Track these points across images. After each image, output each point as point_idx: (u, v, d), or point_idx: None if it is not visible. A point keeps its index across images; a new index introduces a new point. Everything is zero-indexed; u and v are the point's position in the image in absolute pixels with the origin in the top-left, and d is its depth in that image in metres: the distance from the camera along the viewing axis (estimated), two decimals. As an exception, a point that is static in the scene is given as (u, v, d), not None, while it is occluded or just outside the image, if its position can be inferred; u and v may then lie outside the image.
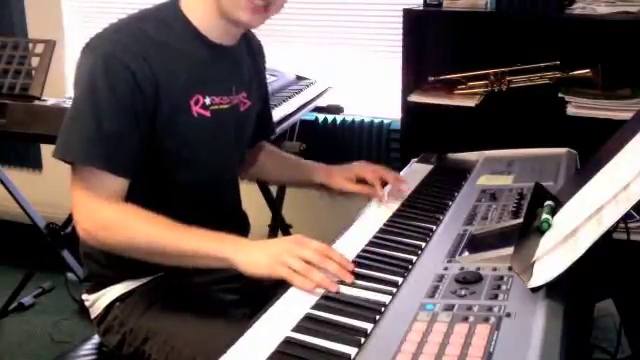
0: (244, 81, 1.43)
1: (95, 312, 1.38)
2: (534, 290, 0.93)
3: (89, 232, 1.20)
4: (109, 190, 1.21)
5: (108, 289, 1.35)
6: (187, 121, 1.29)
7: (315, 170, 1.58)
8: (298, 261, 1.08)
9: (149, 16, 1.30)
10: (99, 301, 1.36)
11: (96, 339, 1.41)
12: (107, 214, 1.19)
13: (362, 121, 2.69)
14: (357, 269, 1.10)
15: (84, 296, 1.41)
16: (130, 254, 1.20)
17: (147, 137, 1.24)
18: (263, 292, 1.36)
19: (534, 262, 0.98)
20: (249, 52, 1.48)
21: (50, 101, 2.21)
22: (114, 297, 1.34)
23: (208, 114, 1.31)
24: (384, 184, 1.51)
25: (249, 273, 1.12)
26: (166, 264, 1.20)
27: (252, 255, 1.12)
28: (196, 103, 1.29)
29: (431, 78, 2.32)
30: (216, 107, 1.33)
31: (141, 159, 1.24)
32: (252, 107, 1.45)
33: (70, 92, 3.05)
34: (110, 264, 1.34)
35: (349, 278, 1.07)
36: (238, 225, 1.49)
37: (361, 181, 1.52)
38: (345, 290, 1.04)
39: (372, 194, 1.48)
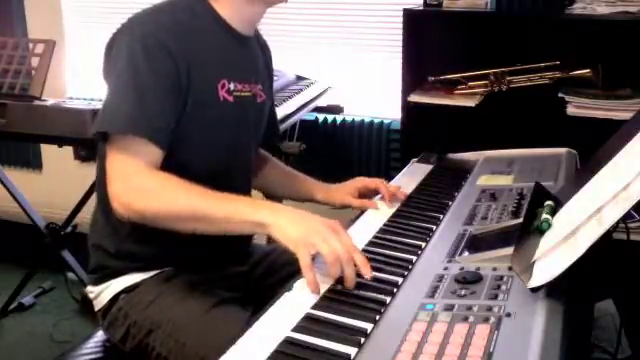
0: (260, 74, 1.48)
1: (99, 304, 1.38)
2: (534, 290, 0.93)
3: (127, 203, 1.19)
4: (148, 159, 1.22)
5: (114, 281, 1.35)
6: (214, 104, 1.32)
7: (316, 188, 1.61)
8: (326, 247, 1.06)
9: (177, 4, 1.33)
10: (104, 293, 1.36)
11: (98, 337, 1.41)
12: (146, 180, 1.20)
13: (362, 121, 2.69)
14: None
15: (89, 288, 1.41)
16: (166, 223, 1.20)
17: (177, 118, 1.26)
18: (266, 290, 1.36)
19: (534, 262, 0.98)
20: (260, 48, 1.54)
21: (50, 101, 2.22)
22: (119, 289, 1.34)
23: (231, 99, 1.35)
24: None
25: (277, 239, 1.11)
26: (201, 231, 1.19)
27: (285, 224, 1.11)
28: (222, 87, 1.33)
29: (431, 78, 2.32)
30: (238, 93, 1.37)
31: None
32: (266, 100, 1.50)
33: (70, 92, 3.08)
34: (119, 255, 1.35)
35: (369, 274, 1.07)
36: None
37: (361, 196, 1.55)
38: (345, 290, 1.04)
39: (373, 207, 1.48)
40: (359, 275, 1.07)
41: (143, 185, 1.20)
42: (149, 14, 1.30)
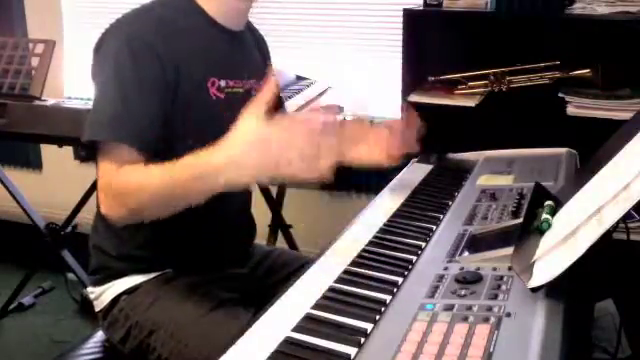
0: (254, 68, 1.47)
1: (100, 305, 1.38)
2: (534, 290, 0.93)
3: (114, 207, 1.17)
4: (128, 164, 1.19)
5: (115, 282, 1.35)
6: (205, 102, 1.31)
7: None
8: (304, 150, 1.03)
9: (165, 4, 1.33)
10: (105, 294, 1.37)
11: (97, 337, 1.41)
12: (118, 181, 1.17)
13: (362, 121, 2.68)
14: (357, 269, 1.10)
15: (89, 288, 1.41)
16: (155, 212, 1.16)
17: (166, 120, 1.25)
18: (267, 290, 1.37)
19: (534, 262, 0.98)
20: (255, 43, 1.53)
21: (50, 101, 2.22)
22: (121, 290, 1.34)
23: (222, 96, 1.34)
24: None
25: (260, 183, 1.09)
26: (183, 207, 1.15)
27: (251, 172, 1.06)
28: (212, 85, 1.33)
29: (431, 78, 2.32)
30: (230, 90, 1.36)
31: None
32: None
33: (70, 92, 3.08)
34: (120, 256, 1.35)
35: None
36: (245, 228, 1.50)
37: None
38: (345, 289, 1.04)
39: None
40: None
41: (118, 189, 1.17)
42: (137, 14, 1.29)
